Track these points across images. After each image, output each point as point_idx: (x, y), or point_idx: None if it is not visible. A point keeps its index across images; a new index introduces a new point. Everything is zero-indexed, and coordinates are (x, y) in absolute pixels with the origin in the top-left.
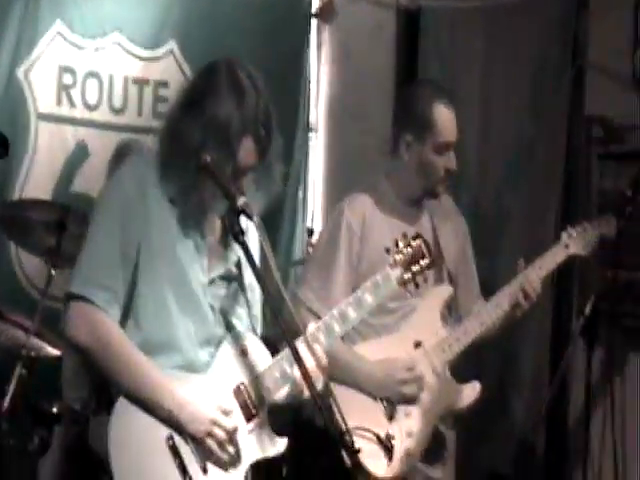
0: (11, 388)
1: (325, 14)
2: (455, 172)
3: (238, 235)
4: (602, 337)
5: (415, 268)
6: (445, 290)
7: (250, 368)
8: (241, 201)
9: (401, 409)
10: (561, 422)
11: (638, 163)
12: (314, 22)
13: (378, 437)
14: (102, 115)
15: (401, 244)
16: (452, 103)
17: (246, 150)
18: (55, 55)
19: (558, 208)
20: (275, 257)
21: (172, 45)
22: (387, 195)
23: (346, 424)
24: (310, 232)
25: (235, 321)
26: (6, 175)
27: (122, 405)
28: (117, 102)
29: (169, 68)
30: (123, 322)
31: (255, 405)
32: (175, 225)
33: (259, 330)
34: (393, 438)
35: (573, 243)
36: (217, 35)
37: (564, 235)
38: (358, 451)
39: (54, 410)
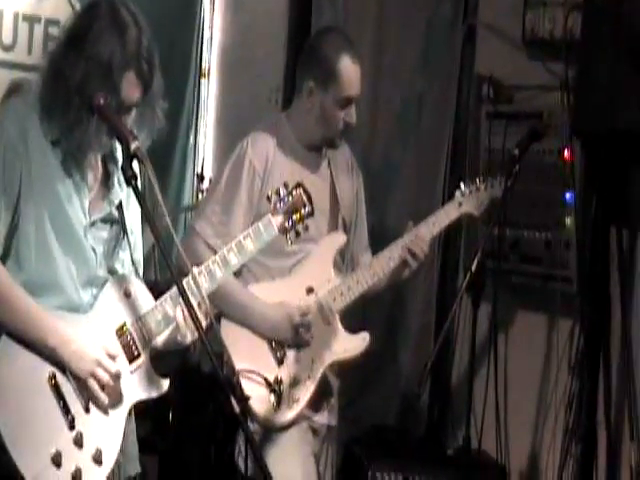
0: None
1: None
2: (353, 126)
3: (131, 179)
4: (488, 293)
5: (295, 216)
6: (339, 237)
7: (133, 310)
8: (134, 145)
9: (291, 354)
10: (446, 376)
11: (525, 123)
12: None
13: (267, 381)
14: None
15: (282, 192)
16: (358, 57)
17: (129, 84)
18: None
19: (446, 165)
20: (164, 202)
21: None
22: (288, 137)
23: (234, 370)
24: (200, 178)
25: (117, 264)
26: None
27: (4, 344)
28: (6, 39)
29: (61, 6)
30: (4, 262)
31: (137, 346)
32: (56, 166)
33: (141, 274)
34: (282, 383)
35: (466, 202)
36: None
37: (458, 193)
38: (247, 398)
39: None
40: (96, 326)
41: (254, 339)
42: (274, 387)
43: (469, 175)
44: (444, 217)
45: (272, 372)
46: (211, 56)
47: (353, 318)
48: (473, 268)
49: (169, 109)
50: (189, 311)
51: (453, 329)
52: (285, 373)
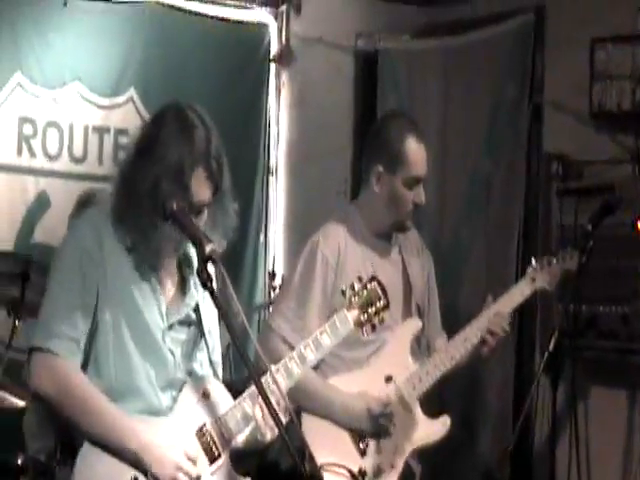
0: None
1: (284, 58)
2: (422, 206)
3: (206, 282)
4: (565, 372)
5: (371, 310)
6: (414, 324)
7: (213, 410)
8: (209, 248)
9: (373, 445)
10: (526, 458)
11: (596, 198)
12: (273, 66)
13: (351, 472)
14: (63, 165)
15: (357, 286)
16: (423, 138)
17: (199, 184)
18: (15, 106)
19: (518, 244)
20: (238, 301)
21: (132, 92)
22: (359, 226)
23: (316, 463)
24: (272, 276)
25: (196, 366)
26: None
27: (86, 451)
28: (77, 151)
29: (129, 115)
30: (84, 370)
31: (218, 446)
32: (132, 272)
33: (220, 374)
34: (366, 474)
35: (539, 277)
36: (176, 81)
37: (530, 269)
38: None
39: (19, 462)
40: (176, 428)
41: (336, 431)
42: (358, 479)
43: (542, 254)
44: (517, 294)
45: (356, 464)
46: (278, 153)
47: (431, 402)
48: (551, 348)
49: (239, 208)
50: (268, 409)
51: (532, 410)
52: (369, 464)
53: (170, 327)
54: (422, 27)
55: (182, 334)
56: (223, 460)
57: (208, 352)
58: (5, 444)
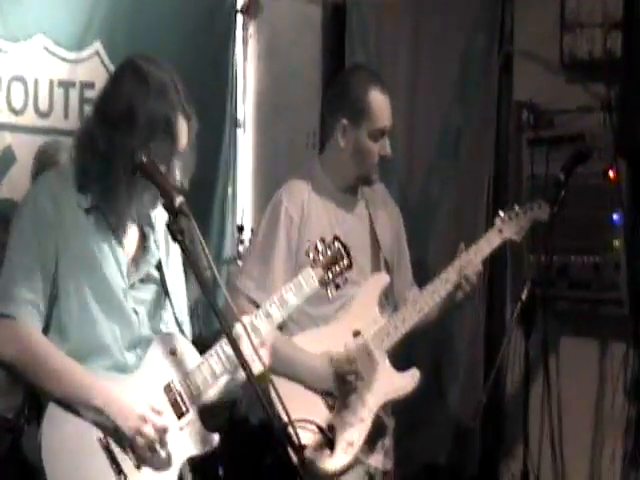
0: None
1: (251, 9)
2: (389, 158)
3: (177, 235)
4: (537, 322)
5: (335, 269)
6: (382, 278)
7: (180, 367)
8: (179, 200)
9: (340, 400)
10: (498, 409)
11: (567, 147)
12: (240, 18)
13: (320, 428)
14: (28, 119)
15: (320, 247)
16: (387, 89)
17: (182, 131)
18: None
19: (488, 195)
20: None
21: (97, 46)
22: (323, 182)
23: (290, 418)
24: (240, 229)
25: (161, 325)
26: None
27: (52, 412)
28: (43, 105)
29: (95, 69)
30: (46, 334)
31: (186, 402)
32: (91, 233)
33: (188, 332)
34: (335, 429)
35: (507, 228)
36: (142, 33)
37: (497, 220)
38: (304, 447)
39: None
40: (143, 385)
41: (303, 388)
42: (327, 434)
43: (513, 204)
44: (485, 245)
45: (324, 419)
46: (246, 105)
47: (400, 356)
48: (523, 298)
49: (206, 161)
50: (240, 361)
51: (504, 361)
52: (337, 419)
53: (132, 286)
54: None
55: (145, 293)
56: (191, 416)
57: (173, 311)
58: None
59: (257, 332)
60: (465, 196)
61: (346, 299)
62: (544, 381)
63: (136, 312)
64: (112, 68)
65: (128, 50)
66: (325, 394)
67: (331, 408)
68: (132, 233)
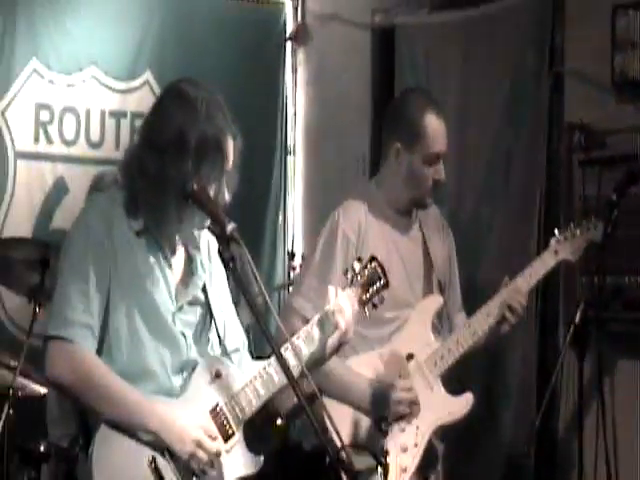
0: None
1: (299, 37)
2: (443, 183)
3: (229, 262)
4: (591, 344)
5: (372, 289)
6: (436, 300)
7: (226, 390)
8: (230, 227)
9: (395, 424)
10: (551, 434)
11: (620, 168)
12: (289, 45)
13: (373, 454)
14: (80, 150)
15: (358, 267)
16: (442, 113)
17: (230, 150)
18: (32, 92)
19: (539, 217)
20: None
21: (147, 75)
22: (379, 203)
23: (343, 443)
24: (291, 255)
25: (207, 346)
26: None
27: (103, 433)
28: (94, 136)
29: (145, 98)
30: (98, 355)
31: (231, 425)
32: (142, 256)
33: (245, 347)
34: (388, 454)
35: (562, 248)
36: (192, 62)
37: (553, 241)
38: (358, 472)
39: (41, 449)
40: (191, 408)
41: (356, 412)
42: (380, 459)
43: (564, 225)
44: (541, 267)
45: (378, 444)
46: (296, 132)
47: (452, 379)
48: (577, 320)
49: (257, 188)
50: (292, 386)
51: (557, 384)
52: (391, 444)
53: (180, 309)
54: (439, 0)
55: (192, 316)
56: (237, 438)
57: (217, 332)
58: (27, 431)
59: (300, 355)
60: (516, 217)
61: (400, 321)
62: (598, 404)
63: (184, 335)
64: None
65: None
66: (379, 418)
67: (385, 433)
68: (179, 254)
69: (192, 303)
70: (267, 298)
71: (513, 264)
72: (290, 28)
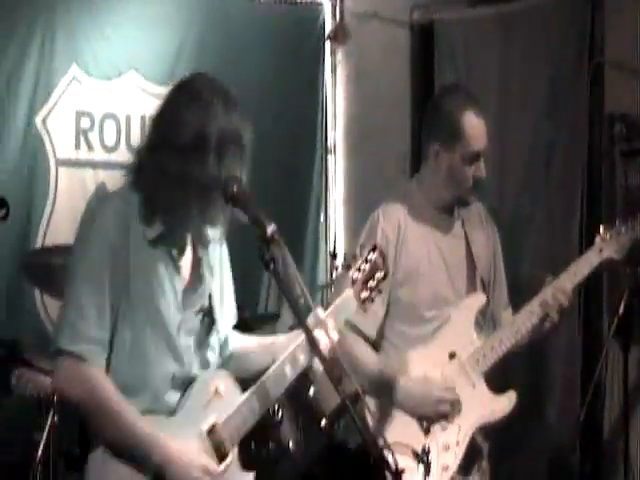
0: (43, 437)
1: (339, 36)
2: (483, 180)
3: (269, 264)
4: (636, 336)
5: (372, 283)
6: (479, 298)
7: (223, 407)
8: (271, 229)
9: (437, 423)
10: (597, 428)
11: None
12: (328, 44)
13: (415, 452)
14: (121, 156)
15: (359, 261)
16: (482, 111)
17: (249, 143)
18: (72, 100)
19: (582, 209)
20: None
21: None
22: (419, 202)
23: (386, 442)
24: (333, 255)
25: (209, 353)
26: (28, 222)
27: (99, 454)
28: (135, 142)
29: None
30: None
31: (226, 446)
32: (154, 266)
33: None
34: (430, 452)
35: (607, 247)
36: (231, 64)
37: (598, 239)
38: (402, 471)
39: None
40: (188, 429)
41: (398, 411)
42: (422, 457)
43: (607, 217)
44: (585, 265)
45: (419, 442)
46: (336, 131)
47: (495, 376)
48: (621, 312)
49: (299, 188)
50: (335, 387)
51: (602, 377)
52: (433, 442)
53: (185, 317)
54: None
55: (196, 322)
56: (231, 459)
57: (218, 336)
58: (72, 437)
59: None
60: (558, 211)
61: (442, 320)
62: None
63: (188, 349)
64: None
65: (219, 80)
66: (420, 417)
67: (427, 431)
68: (187, 257)
69: (198, 311)
70: (309, 300)
71: (556, 259)
72: (329, 27)
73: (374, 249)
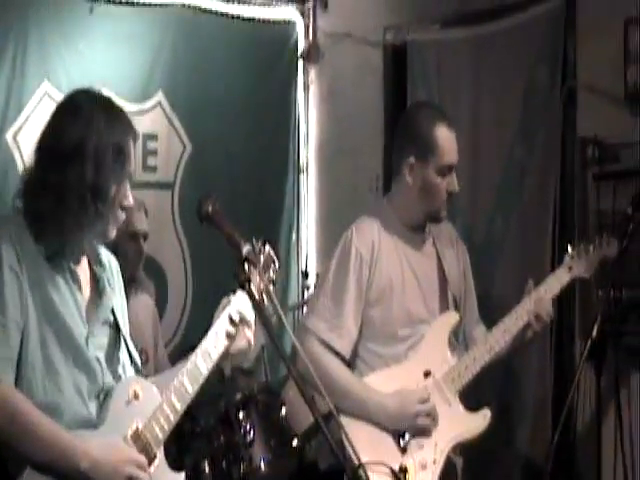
0: None
1: (312, 55)
2: (455, 193)
3: (244, 284)
4: (608, 359)
5: (269, 276)
6: (452, 316)
7: (144, 410)
8: (246, 249)
9: (414, 441)
10: (569, 447)
11: (634, 182)
12: (301, 63)
13: (392, 470)
14: None
15: (252, 255)
16: (452, 125)
17: (132, 153)
18: (44, 116)
19: (554, 231)
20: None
21: (160, 97)
22: (392, 220)
23: (360, 461)
24: (305, 275)
25: (119, 367)
26: None
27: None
28: None
29: (157, 120)
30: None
31: (152, 447)
32: (52, 281)
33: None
34: (407, 471)
35: (576, 265)
36: (203, 82)
37: (567, 257)
38: None
39: None
40: (113, 438)
41: (374, 430)
42: (399, 476)
43: (579, 240)
44: (555, 283)
45: (396, 461)
46: (308, 150)
47: (468, 394)
48: (594, 335)
49: (270, 207)
50: (306, 400)
51: (574, 399)
52: (410, 460)
53: (91, 332)
54: (451, 16)
55: (103, 337)
56: (158, 459)
57: (128, 350)
58: None
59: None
60: (530, 232)
61: (416, 338)
62: (616, 418)
63: (98, 360)
64: (174, 118)
65: (190, 99)
66: (397, 435)
67: (403, 450)
68: (84, 272)
69: (102, 324)
70: (283, 318)
71: (527, 279)
72: (302, 46)
73: (264, 244)
